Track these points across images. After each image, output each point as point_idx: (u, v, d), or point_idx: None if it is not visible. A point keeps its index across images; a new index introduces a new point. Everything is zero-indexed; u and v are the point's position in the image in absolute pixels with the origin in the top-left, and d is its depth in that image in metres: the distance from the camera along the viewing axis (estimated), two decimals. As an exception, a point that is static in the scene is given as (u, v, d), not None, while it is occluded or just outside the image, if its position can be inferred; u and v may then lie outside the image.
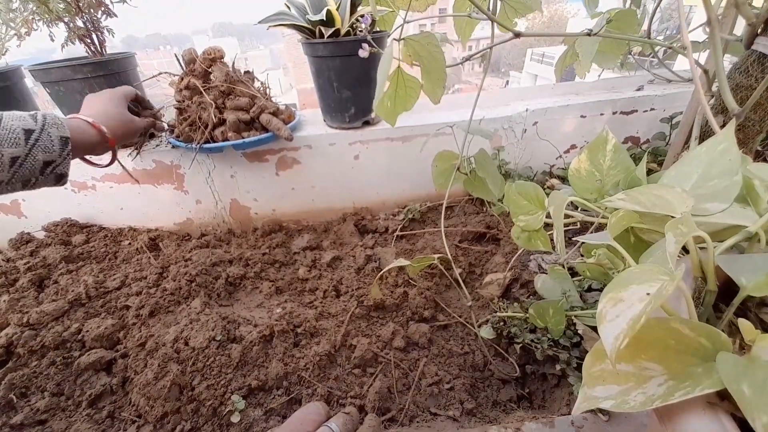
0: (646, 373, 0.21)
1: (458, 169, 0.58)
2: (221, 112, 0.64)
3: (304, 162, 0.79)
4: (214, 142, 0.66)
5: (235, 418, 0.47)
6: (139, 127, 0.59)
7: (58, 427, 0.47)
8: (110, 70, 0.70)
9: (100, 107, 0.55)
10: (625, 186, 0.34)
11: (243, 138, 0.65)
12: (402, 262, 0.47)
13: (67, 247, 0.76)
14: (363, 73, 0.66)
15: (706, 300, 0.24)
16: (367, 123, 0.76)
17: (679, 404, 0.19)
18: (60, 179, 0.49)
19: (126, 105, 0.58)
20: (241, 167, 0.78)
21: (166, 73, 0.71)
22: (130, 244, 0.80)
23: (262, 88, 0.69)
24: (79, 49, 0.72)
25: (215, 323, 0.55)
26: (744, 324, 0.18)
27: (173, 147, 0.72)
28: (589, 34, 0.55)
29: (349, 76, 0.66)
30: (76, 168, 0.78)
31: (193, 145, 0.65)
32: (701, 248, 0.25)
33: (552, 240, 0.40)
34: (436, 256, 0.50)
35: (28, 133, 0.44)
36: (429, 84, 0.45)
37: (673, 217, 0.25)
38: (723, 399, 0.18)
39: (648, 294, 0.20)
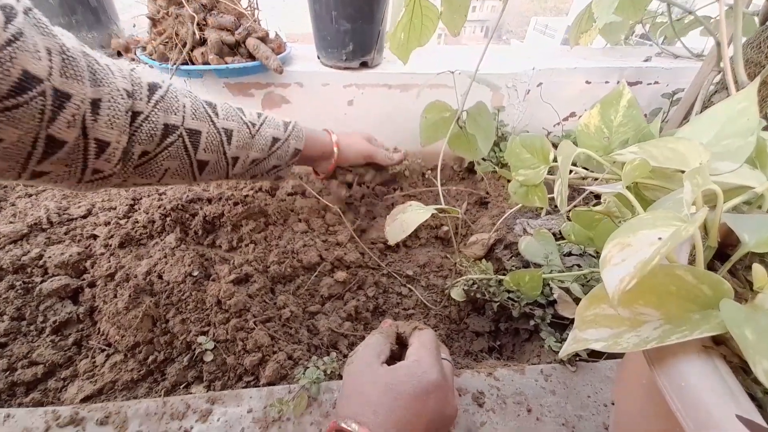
0: (641, 318, 0.20)
1: (457, 120, 0.55)
2: (202, 29, 0.57)
3: (294, 101, 0.74)
4: (193, 64, 0.59)
5: (207, 357, 0.45)
6: (368, 154, 0.59)
7: (19, 351, 0.45)
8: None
9: (350, 138, 0.58)
10: (634, 143, 0.32)
11: (226, 63, 0.59)
12: (429, 209, 0.45)
13: (25, 170, 0.69)
14: (366, 3, 0.59)
15: (705, 255, 0.24)
16: (364, 64, 0.70)
17: (673, 347, 0.19)
18: (279, 179, 0.53)
19: (370, 144, 0.60)
20: (223, 100, 0.72)
21: (138, -23, 0.62)
22: (97, 173, 0.74)
23: (249, 9, 0.62)
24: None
25: (192, 259, 0.53)
26: (758, 270, 0.18)
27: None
28: (613, -15, 0.52)
29: (350, 5, 0.59)
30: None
31: (169, 66, 0.58)
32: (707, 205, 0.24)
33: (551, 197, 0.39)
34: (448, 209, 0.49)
35: (275, 141, 0.48)
36: (449, 12, 0.40)
37: (684, 172, 0.24)
38: (718, 344, 0.18)
39: (660, 239, 0.19)
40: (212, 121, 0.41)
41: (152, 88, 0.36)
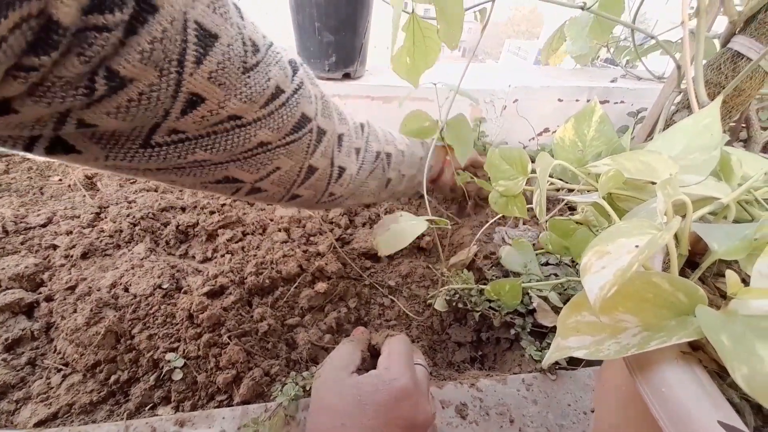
0: (620, 325, 0.21)
1: (440, 132, 0.55)
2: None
3: (274, 110, 0.73)
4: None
5: (176, 376, 0.43)
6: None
7: (-38, 373, 0.40)
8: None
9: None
10: (607, 156, 0.34)
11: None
12: (422, 219, 0.45)
13: (-21, 175, 0.64)
14: (349, 14, 0.60)
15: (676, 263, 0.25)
16: (347, 76, 0.71)
17: (652, 354, 0.19)
18: (418, 193, 0.57)
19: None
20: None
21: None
22: (60, 180, 0.69)
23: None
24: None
25: (162, 271, 0.50)
26: (731, 276, 0.18)
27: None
28: (582, 8, 0.55)
29: (333, 16, 0.59)
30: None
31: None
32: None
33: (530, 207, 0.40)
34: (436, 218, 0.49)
35: (421, 159, 0.54)
36: (445, 27, 0.41)
37: (655, 183, 0.25)
38: (695, 350, 0.19)
39: (637, 246, 0.20)
40: (395, 143, 0.49)
41: (362, 126, 0.43)
